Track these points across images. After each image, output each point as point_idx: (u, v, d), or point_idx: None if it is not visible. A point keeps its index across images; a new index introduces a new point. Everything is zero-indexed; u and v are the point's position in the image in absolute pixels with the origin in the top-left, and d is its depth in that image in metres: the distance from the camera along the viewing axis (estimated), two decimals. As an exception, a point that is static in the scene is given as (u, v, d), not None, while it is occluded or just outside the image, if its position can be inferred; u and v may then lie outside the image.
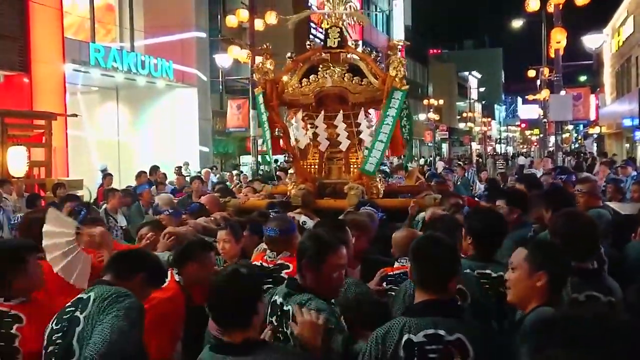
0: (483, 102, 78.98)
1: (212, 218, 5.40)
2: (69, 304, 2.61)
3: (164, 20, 18.85)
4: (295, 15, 6.94)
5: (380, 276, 3.53)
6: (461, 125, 66.23)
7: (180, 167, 15.70)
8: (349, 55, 6.45)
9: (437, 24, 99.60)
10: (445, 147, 59.86)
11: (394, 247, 3.75)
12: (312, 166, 6.63)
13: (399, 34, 43.87)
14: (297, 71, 6.44)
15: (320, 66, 6.32)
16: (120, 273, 2.70)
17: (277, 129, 6.23)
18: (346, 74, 6.15)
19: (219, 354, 2.22)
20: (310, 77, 6.23)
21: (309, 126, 6.39)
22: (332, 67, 6.23)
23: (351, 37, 6.84)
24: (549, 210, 4.03)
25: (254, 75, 6.60)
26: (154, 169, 13.67)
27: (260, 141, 16.39)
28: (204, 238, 4.19)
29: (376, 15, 41.67)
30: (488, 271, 3.26)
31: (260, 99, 6.28)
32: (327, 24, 6.45)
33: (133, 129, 19.64)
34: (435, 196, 5.96)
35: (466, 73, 69.53)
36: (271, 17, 17.17)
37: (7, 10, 13.04)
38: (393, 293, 3.27)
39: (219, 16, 22.73)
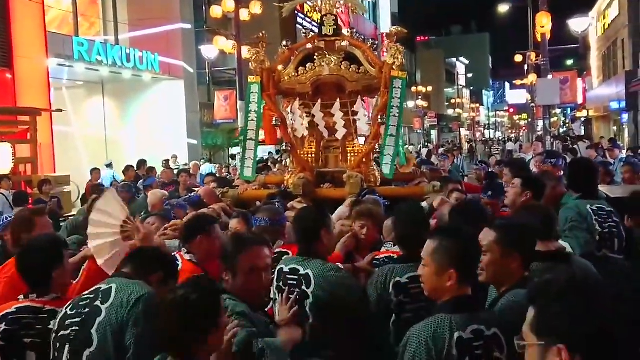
0: (471, 88, 79.13)
1: (211, 209, 5.35)
2: (87, 292, 2.63)
3: (148, 13, 18.65)
4: (290, 3, 6.88)
5: (369, 258, 3.61)
6: (450, 112, 66.39)
7: (168, 160, 15.60)
8: (343, 44, 6.41)
9: (424, 11, 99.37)
10: (434, 133, 59.99)
11: (385, 233, 3.78)
12: (309, 155, 6.59)
13: (385, 21, 43.79)
14: (293, 60, 6.38)
15: (316, 54, 6.28)
16: (138, 269, 2.72)
17: (274, 118, 6.17)
18: (343, 62, 6.11)
19: None
20: (307, 65, 6.19)
21: (305, 115, 6.34)
22: (328, 56, 6.19)
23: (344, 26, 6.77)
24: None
25: (248, 65, 6.50)
26: (142, 162, 13.58)
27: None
28: None
29: (362, 2, 41.49)
30: None
31: (256, 88, 6.21)
32: (323, 11, 6.42)
33: (120, 123, 19.48)
34: (435, 184, 5.96)
35: (454, 59, 69.57)
36: (256, 7, 17.05)
37: (-13, 5, 12.86)
38: None
39: (203, 7, 22.53)
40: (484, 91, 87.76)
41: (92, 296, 2.58)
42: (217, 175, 11.47)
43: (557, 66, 36.59)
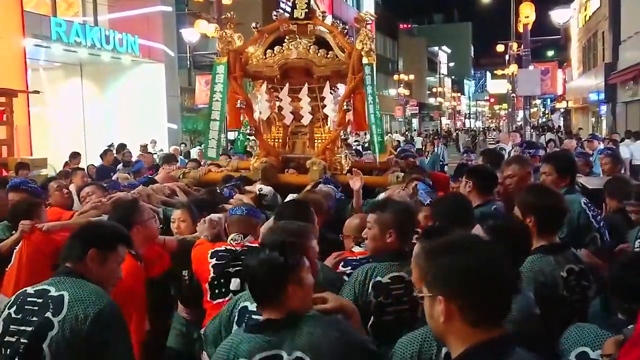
0: (453, 77, 79.47)
1: (166, 187, 5.39)
2: (33, 292, 2.37)
3: (128, -6, 18.33)
4: None
5: (338, 259, 3.36)
6: (431, 101, 66.63)
7: (146, 145, 15.35)
8: (318, 28, 6.28)
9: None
10: (415, 122, 60.19)
11: (350, 232, 3.60)
12: (276, 140, 6.50)
13: (369, 7, 43.56)
14: (263, 42, 6.26)
15: (287, 38, 6.16)
16: (73, 255, 2.49)
17: (239, 101, 6.04)
18: (312, 46, 5.99)
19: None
20: (275, 48, 6.06)
21: (275, 99, 6.24)
22: (298, 39, 6.08)
23: (319, 9, 6.61)
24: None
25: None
26: (122, 147, 13.40)
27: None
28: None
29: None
30: None
31: (222, 69, 6.09)
32: None
33: (99, 106, 19.18)
34: (398, 174, 5.83)
35: (436, 48, 69.72)
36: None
37: (-39, -17, 12.52)
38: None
39: (186, -10, 22.23)
40: (465, 80, 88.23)
41: (40, 301, 2.32)
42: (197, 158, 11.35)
43: (538, 57, 36.86)
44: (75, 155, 11.91)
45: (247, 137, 6.75)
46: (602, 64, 25.64)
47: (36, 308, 2.31)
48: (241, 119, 6.49)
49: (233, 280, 3.30)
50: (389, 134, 34.04)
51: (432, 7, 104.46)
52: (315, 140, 6.34)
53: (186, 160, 10.67)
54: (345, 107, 5.88)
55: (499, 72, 55.63)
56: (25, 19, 14.08)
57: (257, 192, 5.14)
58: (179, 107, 20.80)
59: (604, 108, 25.86)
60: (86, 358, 2.27)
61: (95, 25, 17.68)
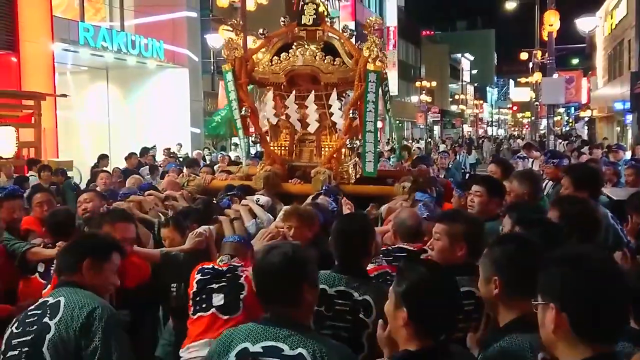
0: (475, 84, 78.94)
1: (164, 196, 5.40)
2: (34, 307, 2.48)
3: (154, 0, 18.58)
4: None
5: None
6: (453, 108, 66.26)
7: (169, 148, 15.51)
8: (327, 34, 6.21)
9: (430, 5, 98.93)
10: (437, 129, 59.90)
11: (397, 227, 3.65)
12: (283, 148, 6.41)
13: (391, 14, 43.59)
14: (270, 48, 6.21)
15: (295, 44, 6.08)
16: (68, 267, 2.60)
17: (244, 108, 6.02)
18: (318, 53, 5.88)
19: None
20: (282, 55, 5.99)
21: (283, 106, 6.18)
22: (306, 46, 5.99)
23: (328, 15, 6.43)
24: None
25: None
26: (145, 150, 13.56)
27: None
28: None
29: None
30: None
31: (230, 76, 6.05)
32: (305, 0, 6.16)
33: (123, 109, 19.44)
34: (405, 184, 5.67)
35: (459, 55, 69.34)
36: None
37: (-7, -12, 12.82)
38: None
39: (210, -5, 22.45)
40: (488, 88, 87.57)
41: (39, 312, 2.43)
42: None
43: (563, 65, 36.53)
44: (103, 157, 12.10)
45: (252, 144, 6.75)
46: (628, 73, 25.27)
47: (35, 318, 2.41)
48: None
49: (215, 295, 3.29)
50: (411, 141, 33.94)
51: (456, 14, 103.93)
52: (323, 149, 6.24)
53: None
54: (351, 115, 5.79)
55: (522, 79, 55.17)
56: (54, 24, 14.37)
57: (255, 202, 5.02)
58: (202, 111, 20.99)
59: (629, 117, 25.48)
60: (83, 357, 2.34)
61: (121, 30, 17.96)
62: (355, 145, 6.09)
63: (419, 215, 3.82)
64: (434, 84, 52.46)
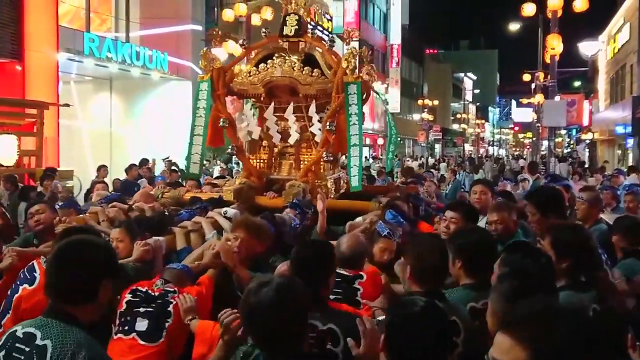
0: (477, 103, 79.19)
1: (126, 207, 5.32)
2: (21, 335, 2.14)
3: (159, 12, 18.70)
4: (252, 2, 6.77)
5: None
6: (455, 126, 66.40)
7: (170, 159, 15.28)
8: (310, 45, 6.13)
9: (434, 24, 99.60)
10: (438, 147, 59.99)
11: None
12: (262, 161, 6.32)
13: (395, 32, 43.90)
14: (250, 60, 6.15)
15: (276, 55, 6.01)
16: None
17: (221, 119, 5.89)
18: (297, 64, 5.81)
19: None
20: (260, 66, 5.92)
21: (263, 119, 6.08)
22: (287, 57, 5.91)
23: (310, 26, 6.39)
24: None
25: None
26: (144, 162, 13.55)
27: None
28: None
29: (374, 14, 41.65)
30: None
31: (205, 86, 5.93)
32: (290, 10, 6.12)
33: (126, 120, 19.50)
34: (381, 199, 5.56)
35: (461, 74, 69.66)
36: (267, 12, 17.06)
37: (0, -3, 12.91)
38: None
39: (215, 9, 22.58)
40: (490, 107, 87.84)
41: (27, 350, 2.08)
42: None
43: (565, 87, 36.69)
44: (101, 168, 12.09)
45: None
46: (630, 97, 25.35)
47: (22, 357, 2.10)
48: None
49: (140, 320, 3.19)
50: (404, 159, 33.90)
51: (459, 34, 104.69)
52: (302, 162, 6.15)
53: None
54: (328, 127, 5.67)
55: (524, 100, 55.30)
56: (60, 34, 14.44)
57: (222, 213, 4.86)
58: (204, 124, 20.99)
59: (630, 141, 25.51)
60: None
61: (126, 41, 18.07)
62: (330, 158, 5.97)
63: (360, 241, 3.67)
64: (436, 102, 52.60)
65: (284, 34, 6.09)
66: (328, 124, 5.67)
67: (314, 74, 5.76)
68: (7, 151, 11.41)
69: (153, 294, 3.32)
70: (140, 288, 3.36)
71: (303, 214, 5.00)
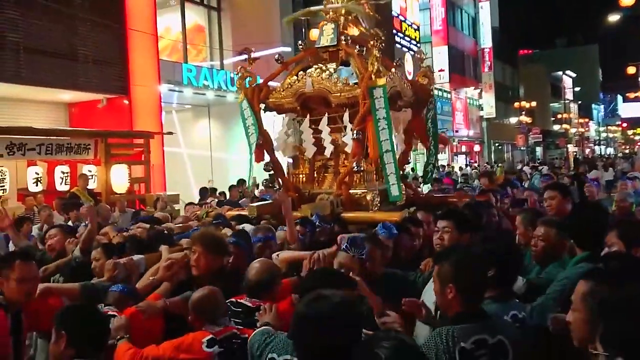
0: (579, 102, 75.33)
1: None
2: None
3: (251, 38, 19.27)
4: (292, 15, 6.81)
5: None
6: (556, 127, 63.53)
7: (267, 179, 15.66)
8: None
9: (527, 24, 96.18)
10: (539, 150, 57.57)
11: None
12: (301, 175, 6.23)
13: (486, 36, 42.81)
14: (290, 73, 6.10)
15: (313, 67, 5.91)
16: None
17: (257, 137, 5.98)
18: (325, 73, 5.66)
19: None
20: (292, 79, 5.86)
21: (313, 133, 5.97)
22: (323, 67, 5.79)
23: (347, 35, 6.06)
24: None
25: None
26: (241, 182, 14.01)
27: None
28: None
29: (462, 18, 40.89)
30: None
31: (245, 104, 6.02)
32: (327, 20, 6.07)
33: (224, 143, 20.24)
34: (410, 209, 5.31)
35: (560, 73, 66.65)
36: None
37: (108, 39, 13.90)
38: None
39: (303, 30, 23.10)
40: (593, 105, 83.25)
41: None
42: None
43: (676, 77, 34.12)
44: (205, 191, 12.64)
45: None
46: None
47: None
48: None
49: None
50: (496, 165, 32.27)
51: (554, 32, 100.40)
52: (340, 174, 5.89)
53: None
54: (354, 135, 5.40)
55: (631, 94, 52.11)
56: (161, 67, 15.34)
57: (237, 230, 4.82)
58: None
59: None
60: None
61: (221, 68, 18.86)
62: (362, 169, 5.66)
63: (269, 267, 3.50)
64: (533, 104, 50.72)
65: (322, 44, 6.01)
66: (355, 132, 5.41)
67: (343, 82, 5.55)
68: (120, 179, 12.24)
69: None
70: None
71: (313, 229, 4.83)
